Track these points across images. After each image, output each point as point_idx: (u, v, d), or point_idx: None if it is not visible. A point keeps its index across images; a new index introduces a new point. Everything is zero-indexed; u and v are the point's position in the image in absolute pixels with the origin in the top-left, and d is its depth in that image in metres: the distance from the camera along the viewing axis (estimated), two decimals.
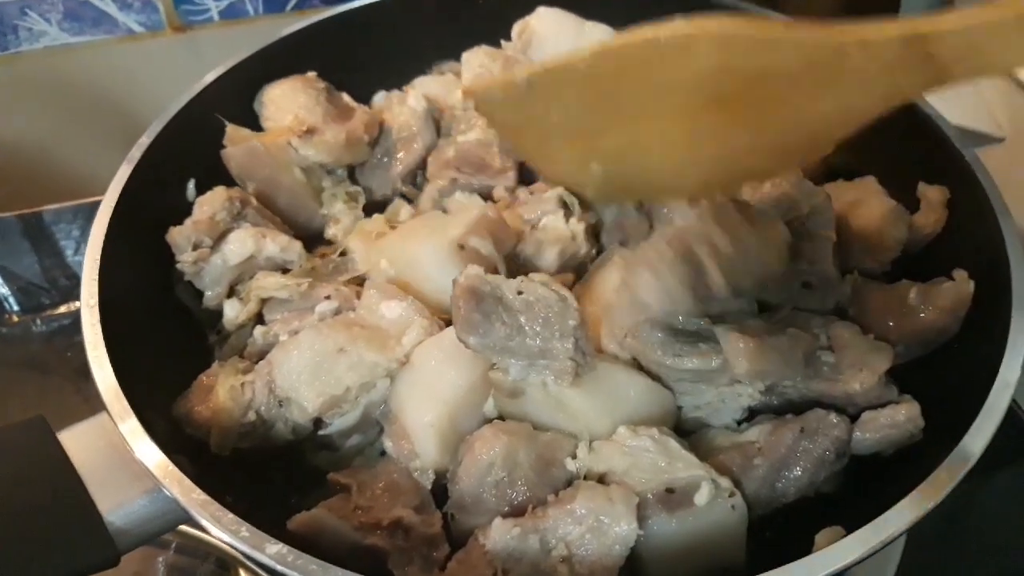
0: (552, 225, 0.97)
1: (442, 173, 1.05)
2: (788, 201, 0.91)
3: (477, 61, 1.14)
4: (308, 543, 0.74)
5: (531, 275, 0.82)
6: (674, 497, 0.76)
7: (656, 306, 0.82)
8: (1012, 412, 1.09)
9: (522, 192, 1.04)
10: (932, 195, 0.98)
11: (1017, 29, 0.65)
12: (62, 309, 1.43)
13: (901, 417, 0.82)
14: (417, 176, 1.11)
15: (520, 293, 0.79)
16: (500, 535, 0.73)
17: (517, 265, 0.96)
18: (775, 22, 0.72)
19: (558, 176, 0.93)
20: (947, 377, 0.86)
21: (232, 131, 1.04)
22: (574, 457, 0.80)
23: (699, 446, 0.83)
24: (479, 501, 0.78)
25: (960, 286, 0.87)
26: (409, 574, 0.75)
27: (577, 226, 0.97)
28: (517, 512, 0.76)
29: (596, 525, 0.73)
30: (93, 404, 0.78)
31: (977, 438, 0.73)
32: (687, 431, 0.87)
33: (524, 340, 0.79)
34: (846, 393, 0.83)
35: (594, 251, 0.99)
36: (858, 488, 0.84)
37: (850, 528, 0.70)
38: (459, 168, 1.05)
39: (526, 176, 1.08)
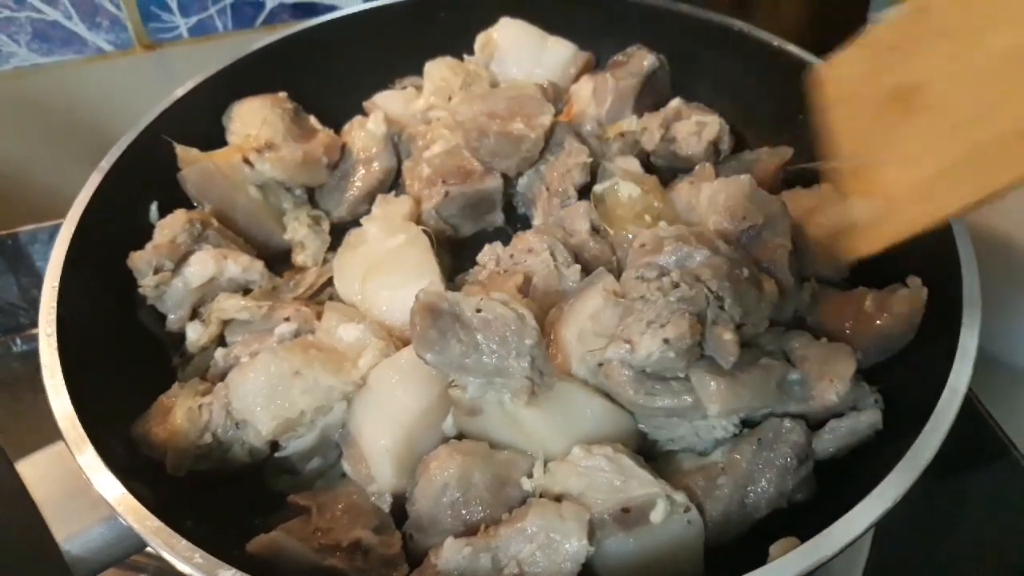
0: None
1: (431, 191, 1.04)
2: (743, 211, 0.91)
3: (439, 74, 1.15)
4: (268, 565, 0.75)
5: (492, 293, 0.82)
6: (630, 516, 0.76)
7: (647, 364, 0.81)
8: (977, 414, 1.11)
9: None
10: None
11: None
12: None
13: (862, 425, 0.83)
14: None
15: (479, 311, 0.79)
16: (452, 554, 0.73)
17: None
18: None
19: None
20: (902, 381, 0.87)
21: (182, 152, 1.04)
22: (530, 476, 0.80)
23: (664, 470, 0.83)
24: (435, 521, 0.78)
25: (914, 293, 0.87)
26: None
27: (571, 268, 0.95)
28: (473, 531, 0.76)
29: (547, 542, 0.73)
30: None
31: (926, 445, 0.74)
32: (653, 455, 0.86)
33: (480, 358, 0.79)
34: (824, 407, 0.83)
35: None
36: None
37: (806, 535, 0.70)
38: (445, 181, 1.04)
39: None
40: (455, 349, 0.79)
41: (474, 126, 1.03)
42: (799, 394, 0.84)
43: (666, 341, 0.78)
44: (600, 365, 0.83)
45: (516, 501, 0.79)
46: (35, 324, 1.39)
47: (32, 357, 1.38)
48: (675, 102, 1.14)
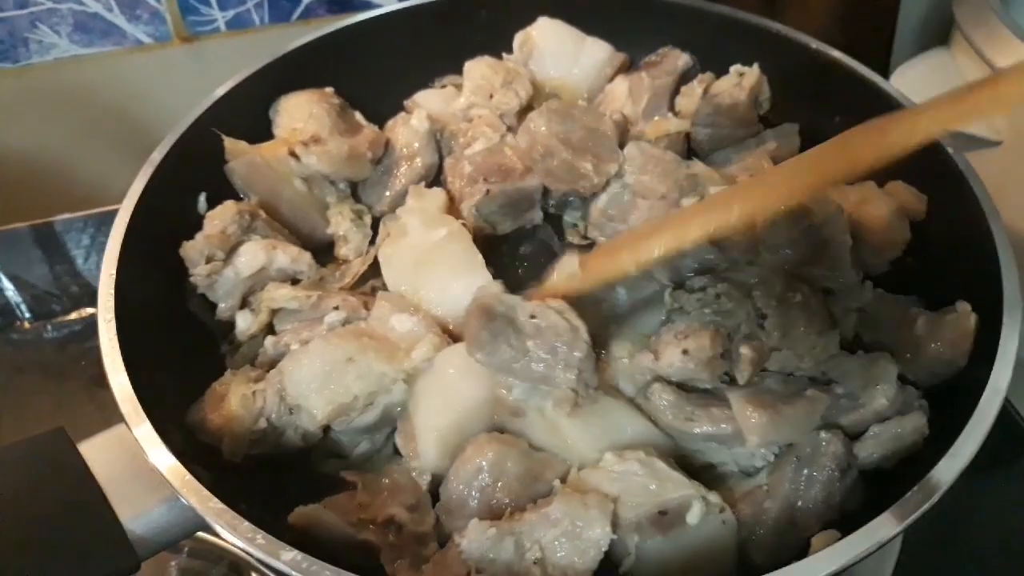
0: None
1: (472, 188, 1.05)
2: (802, 211, 0.91)
3: (479, 72, 1.16)
4: (309, 537, 0.78)
5: (549, 301, 0.83)
6: (667, 518, 0.77)
7: (670, 375, 0.84)
8: (1008, 415, 1.13)
9: None
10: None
11: None
12: (73, 316, 1.45)
13: (907, 429, 0.83)
14: None
15: (533, 317, 0.81)
16: (476, 535, 0.74)
17: None
18: None
19: None
20: (943, 385, 0.88)
21: (230, 145, 1.05)
22: (563, 481, 0.81)
23: (711, 487, 0.82)
24: (463, 504, 0.80)
25: (962, 319, 0.88)
26: (399, 569, 0.78)
27: None
28: (497, 517, 0.78)
29: (571, 529, 0.75)
30: (105, 409, 0.80)
31: (967, 443, 0.75)
32: (695, 473, 0.86)
33: (528, 364, 0.81)
34: (876, 413, 0.83)
35: None
36: None
37: (846, 531, 0.72)
38: (486, 179, 1.05)
39: None
40: (505, 353, 0.81)
41: (545, 143, 1.04)
42: (847, 406, 0.84)
43: (685, 352, 0.81)
44: (643, 386, 0.85)
45: (542, 496, 0.80)
46: (67, 311, 1.44)
47: (67, 342, 1.42)
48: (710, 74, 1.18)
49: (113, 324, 0.84)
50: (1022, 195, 1.16)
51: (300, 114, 1.08)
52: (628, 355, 0.87)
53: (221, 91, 1.10)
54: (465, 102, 1.14)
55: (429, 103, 1.17)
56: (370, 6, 1.46)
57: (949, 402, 0.83)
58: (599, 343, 0.89)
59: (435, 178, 1.14)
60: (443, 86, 1.23)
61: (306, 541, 0.74)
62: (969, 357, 0.87)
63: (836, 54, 1.12)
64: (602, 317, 0.92)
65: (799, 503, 0.80)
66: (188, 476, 0.74)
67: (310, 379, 0.85)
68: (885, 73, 1.40)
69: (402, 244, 0.99)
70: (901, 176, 1.02)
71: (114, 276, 0.88)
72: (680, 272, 0.93)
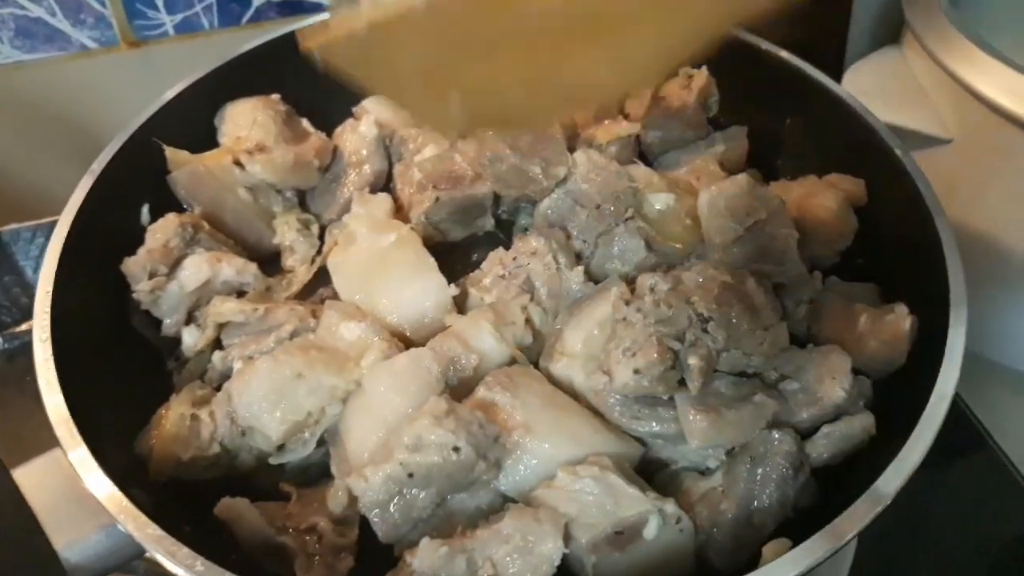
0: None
1: (422, 196, 1.03)
2: (747, 208, 0.92)
3: None
4: (229, 532, 0.78)
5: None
6: (624, 536, 0.76)
7: (626, 393, 0.83)
8: (956, 408, 1.14)
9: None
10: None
11: None
12: (23, 327, 1.43)
13: (856, 429, 0.83)
14: None
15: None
16: (428, 555, 0.73)
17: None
18: None
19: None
20: (888, 384, 0.89)
21: (172, 155, 1.03)
22: None
23: (665, 491, 0.82)
24: None
25: (899, 320, 0.88)
26: None
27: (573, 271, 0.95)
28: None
29: (523, 544, 0.74)
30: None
31: (915, 449, 0.75)
32: (653, 476, 0.86)
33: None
34: (835, 405, 0.84)
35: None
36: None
37: (800, 529, 0.72)
38: (436, 186, 1.03)
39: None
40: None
41: (493, 147, 1.03)
42: (804, 401, 0.84)
43: (636, 371, 0.80)
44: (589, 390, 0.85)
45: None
46: (17, 322, 1.42)
47: (15, 355, 1.40)
48: None
49: (49, 344, 0.83)
50: (972, 192, 1.17)
51: (245, 122, 1.07)
52: (583, 343, 0.87)
53: (164, 99, 1.08)
54: None
55: (378, 109, 1.15)
56: (321, 9, 1.44)
57: (896, 407, 0.83)
58: (554, 333, 0.90)
59: (384, 185, 1.12)
60: None
61: (252, 568, 0.74)
62: (911, 355, 0.88)
63: (785, 55, 1.11)
64: (549, 305, 0.93)
65: (755, 503, 0.81)
66: (126, 502, 0.72)
67: (260, 399, 0.83)
68: (840, 70, 1.40)
69: (351, 252, 0.97)
70: (849, 174, 1.03)
71: (50, 293, 0.86)
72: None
